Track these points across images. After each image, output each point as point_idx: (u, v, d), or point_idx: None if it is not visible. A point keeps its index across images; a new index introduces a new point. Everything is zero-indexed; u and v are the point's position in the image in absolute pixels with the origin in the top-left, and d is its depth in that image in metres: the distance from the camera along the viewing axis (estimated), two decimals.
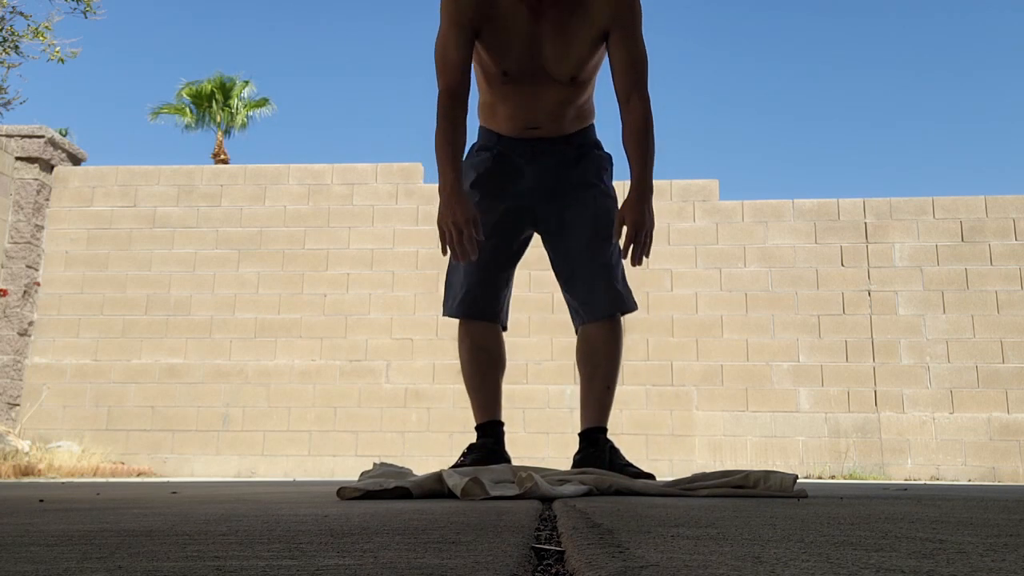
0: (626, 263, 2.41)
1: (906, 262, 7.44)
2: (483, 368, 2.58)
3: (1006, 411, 7.10)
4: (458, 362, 2.63)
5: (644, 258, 2.35)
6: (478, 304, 2.54)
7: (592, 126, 2.62)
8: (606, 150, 2.64)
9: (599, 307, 2.49)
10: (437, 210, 2.36)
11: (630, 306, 2.53)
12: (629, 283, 2.56)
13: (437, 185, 2.37)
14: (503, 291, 2.59)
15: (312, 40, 53.81)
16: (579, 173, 2.53)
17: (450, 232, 2.30)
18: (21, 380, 7.68)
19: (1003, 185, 28.95)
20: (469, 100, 2.40)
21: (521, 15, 2.32)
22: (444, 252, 2.37)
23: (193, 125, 19.85)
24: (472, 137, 2.55)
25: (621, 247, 2.36)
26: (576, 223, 2.50)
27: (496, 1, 2.32)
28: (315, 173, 8.04)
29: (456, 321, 2.61)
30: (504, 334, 2.63)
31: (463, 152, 2.42)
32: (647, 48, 2.43)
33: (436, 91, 2.40)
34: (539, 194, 2.53)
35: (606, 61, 2.45)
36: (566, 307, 2.64)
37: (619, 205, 2.44)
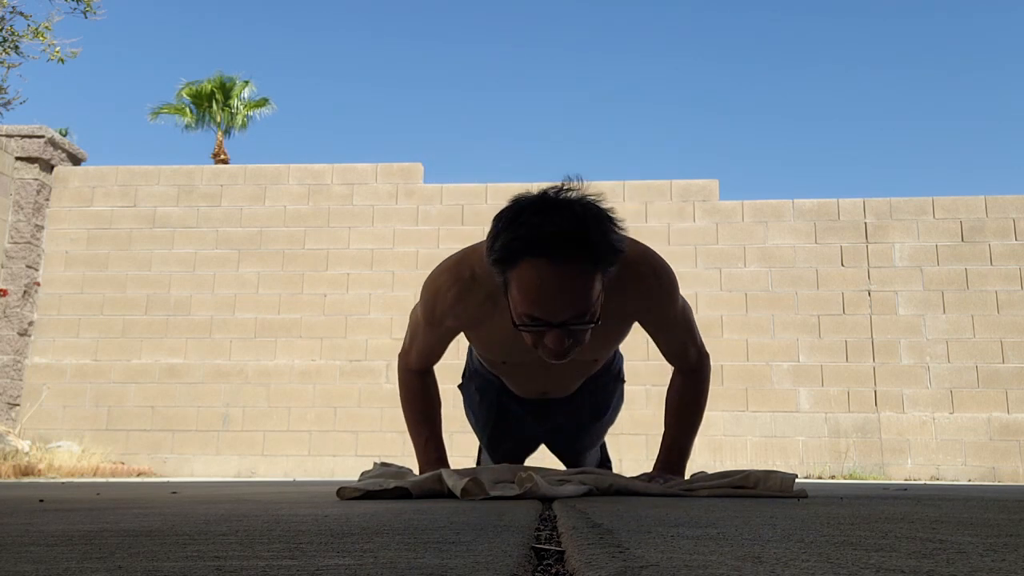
0: None
1: (906, 262, 7.44)
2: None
3: (1006, 411, 7.10)
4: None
5: None
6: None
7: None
8: (618, 365, 2.37)
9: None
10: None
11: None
12: None
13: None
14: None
15: (312, 40, 53.81)
16: (593, 413, 2.36)
17: None
18: (21, 380, 7.68)
19: (1003, 185, 28.96)
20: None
21: None
22: None
23: (193, 125, 19.84)
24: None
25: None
26: (576, 439, 2.46)
27: (491, 318, 1.87)
28: (315, 173, 8.04)
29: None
30: None
31: (438, 419, 2.07)
32: (687, 308, 2.04)
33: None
34: (548, 437, 2.47)
35: None
36: None
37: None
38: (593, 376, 2.21)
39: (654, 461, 2.14)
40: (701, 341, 2.09)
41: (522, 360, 1.98)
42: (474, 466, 2.31)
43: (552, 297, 1.61)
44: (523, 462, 2.58)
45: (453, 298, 1.87)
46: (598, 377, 2.24)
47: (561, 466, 2.62)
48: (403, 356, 2.08)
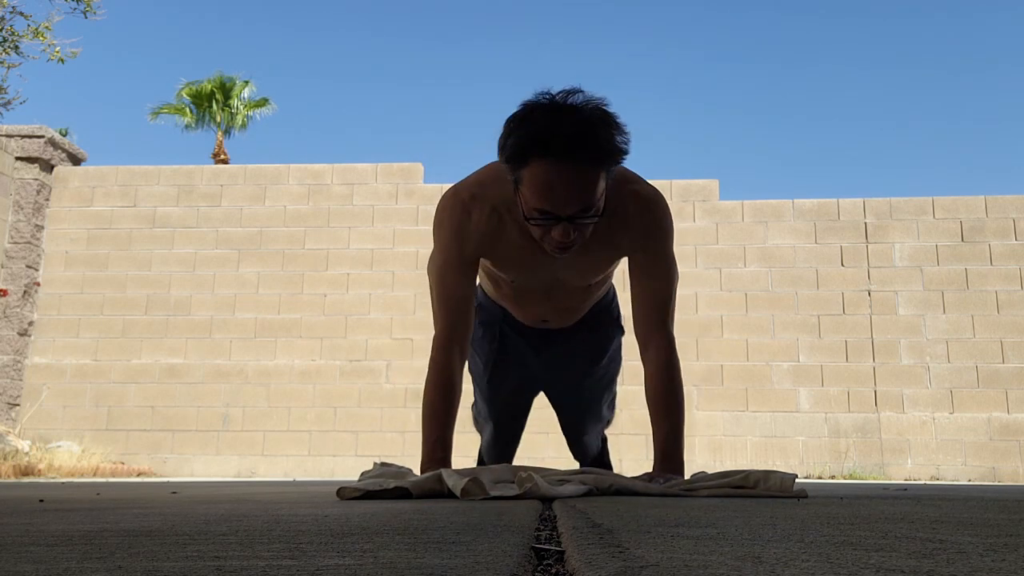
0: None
1: (906, 262, 7.44)
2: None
3: (1006, 411, 7.10)
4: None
5: None
6: (503, 453, 2.57)
7: (607, 292, 2.38)
8: (617, 308, 2.45)
9: (587, 454, 2.60)
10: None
11: (607, 424, 2.64)
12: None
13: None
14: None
15: (312, 40, 53.84)
16: (591, 354, 2.41)
17: None
18: (21, 380, 7.68)
19: (1003, 185, 28.99)
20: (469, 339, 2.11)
21: (531, 245, 1.96)
22: None
23: (193, 125, 19.85)
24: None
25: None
26: (576, 386, 2.48)
27: (501, 234, 1.98)
28: (315, 173, 8.04)
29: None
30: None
31: (456, 410, 2.04)
32: (677, 270, 2.08)
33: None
34: (548, 377, 2.47)
35: None
36: None
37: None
38: (591, 314, 2.31)
39: (652, 461, 2.12)
40: (673, 321, 2.11)
41: (528, 282, 2.10)
42: (474, 466, 2.30)
43: (561, 193, 1.74)
44: (524, 414, 2.57)
45: (462, 218, 1.98)
46: (596, 315, 2.33)
47: (565, 461, 2.62)
48: (435, 339, 2.05)
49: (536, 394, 2.56)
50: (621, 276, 2.21)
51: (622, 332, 2.45)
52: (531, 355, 2.36)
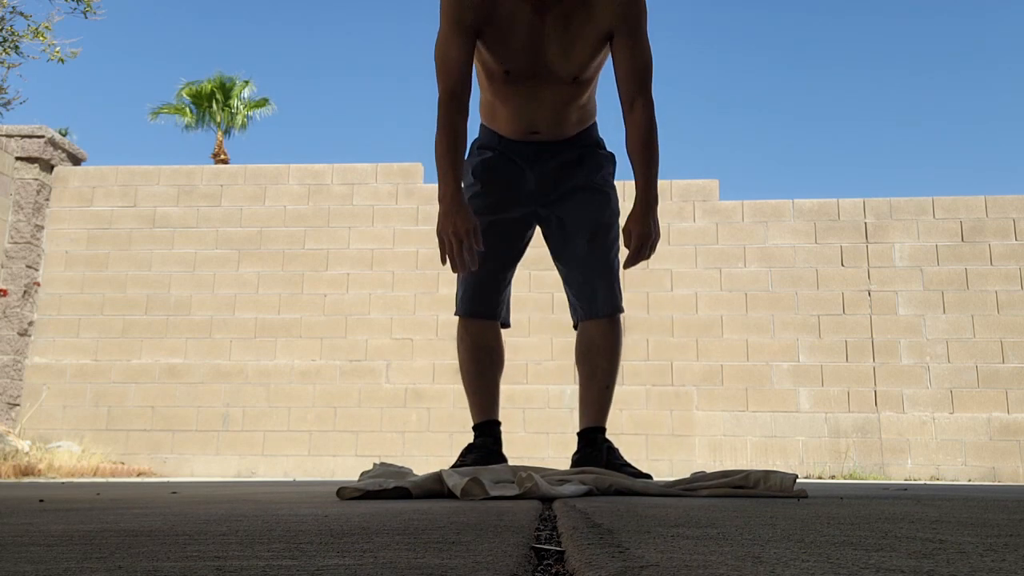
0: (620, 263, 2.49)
1: (906, 262, 7.44)
2: (483, 367, 2.58)
3: (1006, 411, 7.10)
4: (458, 361, 2.64)
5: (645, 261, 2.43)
6: (478, 302, 2.55)
7: (594, 125, 2.59)
8: (608, 149, 2.61)
9: (598, 306, 2.53)
10: (437, 217, 2.35)
11: (620, 308, 2.58)
12: (626, 282, 2.58)
13: (437, 191, 2.36)
14: (503, 290, 2.60)
15: (312, 40, 53.83)
16: (583, 174, 2.52)
17: (450, 242, 2.30)
18: (21, 380, 7.68)
19: (1003, 185, 29.00)
20: (470, 102, 2.38)
21: (524, 13, 2.28)
22: (443, 262, 2.34)
23: (193, 125, 19.87)
24: (473, 132, 2.54)
25: (625, 253, 2.41)
26: (578, 224, 2.51)
27: (496, 5, 2.28)
28: (315, 173, 8.04)
29: (456, 319, 2.61)
30: (504, 334, 2.63)
31: (464, 158, 2.40)
32: (651, 48, 2.39)
33: (436, 93, 2.38)
34: (541, 196, 2.53)
35: (609, 60, 2.44)
36: (567, 307, 2.66)
37: (620, 206, 2.50)
38: (580, 140, 2.50)
39: (634, 201, 2.35)
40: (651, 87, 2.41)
41: (519, 66, 2.34)
42: (474, 466, 2.30)
43: None
44: (511, 247, 2.54)
45: None
46: (587, 144, 2.52)
47: (564, 461, 2.59)
48: (439, 101, 2.36)
49: (528, 229, 2.57)
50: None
51: (615, 165, 2.59)
52: (524, 165, 2.49)
